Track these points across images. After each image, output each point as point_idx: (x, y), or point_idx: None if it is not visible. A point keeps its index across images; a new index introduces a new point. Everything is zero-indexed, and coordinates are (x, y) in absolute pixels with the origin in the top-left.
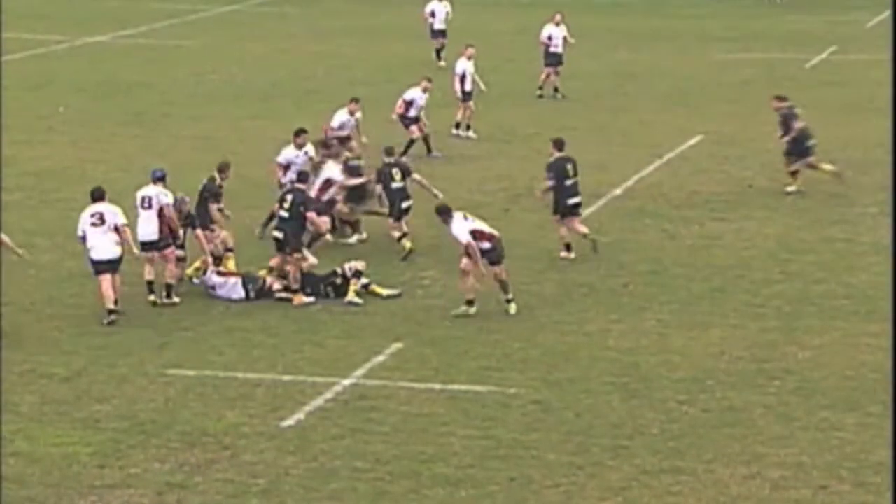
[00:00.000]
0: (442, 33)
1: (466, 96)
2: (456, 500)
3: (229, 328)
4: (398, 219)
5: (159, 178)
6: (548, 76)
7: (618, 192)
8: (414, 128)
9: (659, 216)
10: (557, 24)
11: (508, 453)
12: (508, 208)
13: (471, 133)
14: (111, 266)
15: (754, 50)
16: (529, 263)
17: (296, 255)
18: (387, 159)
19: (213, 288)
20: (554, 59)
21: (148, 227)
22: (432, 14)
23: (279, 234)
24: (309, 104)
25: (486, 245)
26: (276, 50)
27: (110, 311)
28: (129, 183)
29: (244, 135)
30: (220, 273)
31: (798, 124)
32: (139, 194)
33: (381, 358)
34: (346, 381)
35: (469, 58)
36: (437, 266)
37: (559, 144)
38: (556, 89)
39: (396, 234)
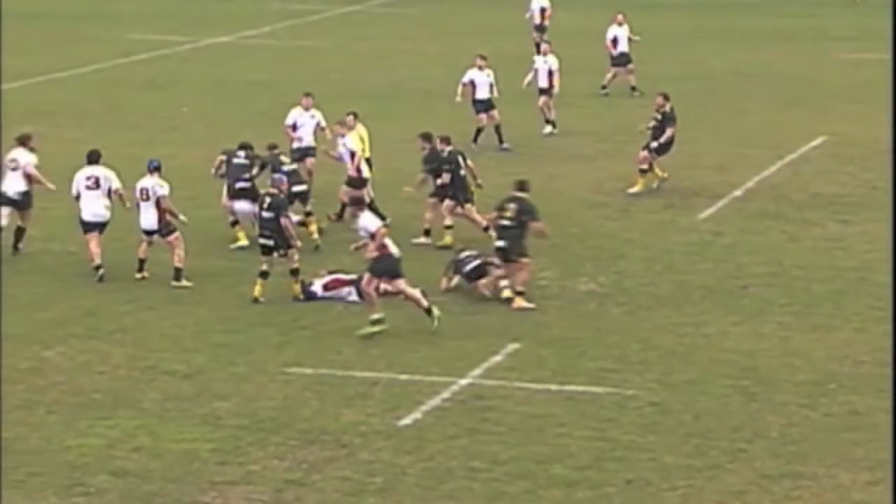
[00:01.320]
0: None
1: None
2: (572, 502)
3: (348, 327)
4: (465, 203)
5: (155, 169)
6: (615, 75)
7: (738, 193)
8: (483, 116)
9: (780, 218)
10: (620, 25)
11: (625, 455)
12: (626, 209)
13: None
14: (99, 227)
15: (877, 50)
16: (648, 264)
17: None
18: (448, 147)
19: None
20: (622, 59)
21: (148, 217)
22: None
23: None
24: (428, 104)
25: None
26: (396, 50)
27: (97, 268)
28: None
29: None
30: (325, 287)
31: None
32: (138, 186)
33: (498, 358)
34: (464, 381)
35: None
36: (554, 266)
37: (428, 137)
38: (633, 88)
39: (448, 221)
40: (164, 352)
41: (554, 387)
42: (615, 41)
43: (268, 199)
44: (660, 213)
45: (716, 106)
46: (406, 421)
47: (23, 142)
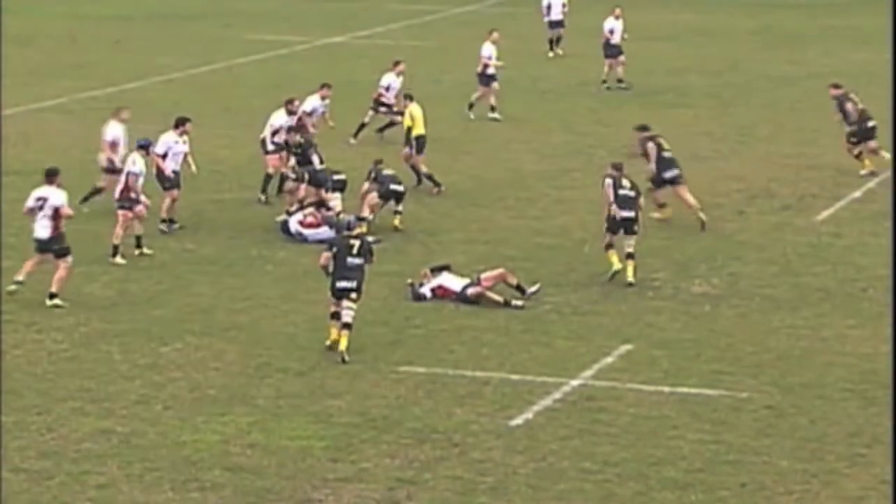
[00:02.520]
0: (559, 24)
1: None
2: None
3: (459, 327)
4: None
5: (142, 147)
6: (610, 67)
7: (857, 194)
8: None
9: None
10: (617, 18)
11: (739, 458)
12: (743, 210)
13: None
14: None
15: None
16: (763, 266)
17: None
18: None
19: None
20: (614, 51)
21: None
22: (548, 7)
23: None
24: (542, 104)
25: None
26: (510, 50)
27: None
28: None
29: (476, 135)
30: (434, 292)
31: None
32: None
33: (609, 359)
34: (575, 382)
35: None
36: (667, 268)
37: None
38: (619, 80)
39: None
40: (277, 349)
41: (666, 389)
42: (612, 33)
43: (357, 244)
44: (777, 215)
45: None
46: (517, 421)
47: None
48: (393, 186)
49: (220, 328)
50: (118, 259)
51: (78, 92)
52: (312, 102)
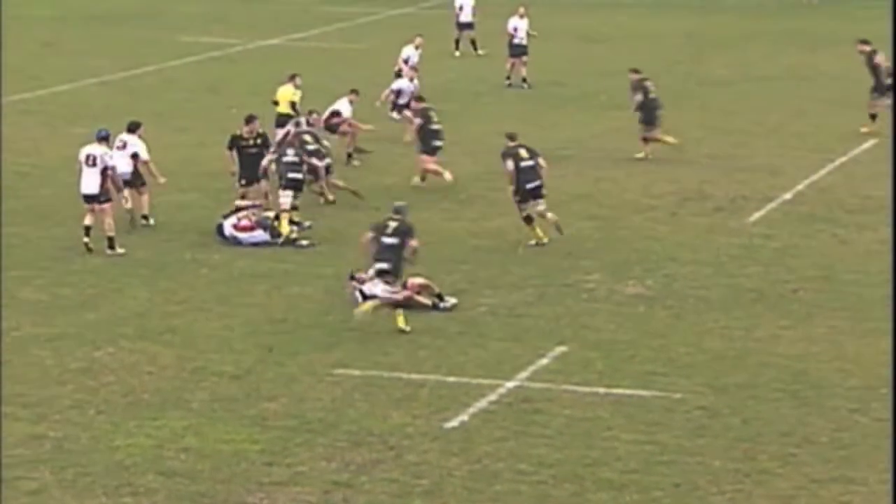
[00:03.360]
0: (469, 26)
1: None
2: None
3: (395, 329)
4: (523, 201)
5: (103, 139)
6: (513, 66)
7: (788, 196)
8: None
9: (831, 221)
10: (521, 17)
11: (674, 459)
12: (676, 212)
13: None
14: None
15: None
16: (697, 268)
17: None
18: (510, 143)
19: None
20: (518, 50)
21: (91, 182)
22: (460, 7)
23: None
24: (476, 106)
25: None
26: (447, 53)
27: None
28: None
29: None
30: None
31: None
32: (84, 152)
33: (544, 361)
34: (510, 384)
35: (417, 47)
36: (602, 269)
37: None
38: (524, 80)
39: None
40: (212, 353)
41: (601, 390)
42: (515, 31)
43: (392, 224)
44: (710, 217)
45: (767, 108)
46: (453, 423)
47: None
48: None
49: (155, 332)
50: (119, 250)
51: (8, 95)
52: (342, 105)
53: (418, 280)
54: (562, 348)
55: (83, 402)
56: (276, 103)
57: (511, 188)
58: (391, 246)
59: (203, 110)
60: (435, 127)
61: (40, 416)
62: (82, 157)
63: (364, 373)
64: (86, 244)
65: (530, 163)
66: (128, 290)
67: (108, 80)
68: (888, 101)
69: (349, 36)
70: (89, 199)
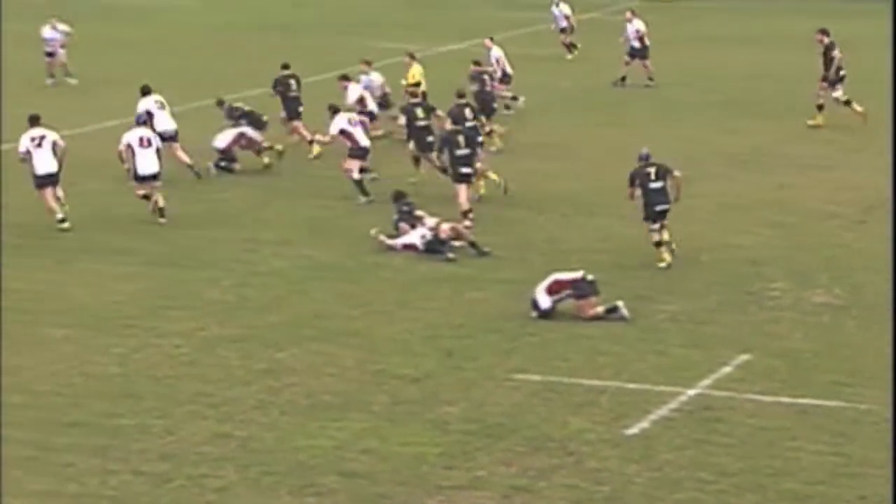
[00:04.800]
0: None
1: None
2: None
3: (575, 335)
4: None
5: (143, 123)
6: (628, 65)
7: None
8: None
9: None
10: (631, 20)
11: (859, 471)
12: (864, 220)
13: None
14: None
15: None
16: (886, 276)
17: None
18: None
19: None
20: (640, 52)
21: (150, 162)
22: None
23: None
24: (661, 111)
25: (568, 291)
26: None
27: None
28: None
29: (595, 142)
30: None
31: None
32: (134, 136)
33: (727, 369)
34: (692, 392)
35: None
36: (786, 277)
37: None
38: (650, 78)
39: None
40: (393, 356)
41: (785, 399)
42: (636, 33)
43: (653, 170)
44: None
45: None
46: (633, 430)
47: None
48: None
49: (337, 334)
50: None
51: (190, 101)
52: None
53: (450, 225)
54: (745, 356)
55: (267, 403)
56: (413, 86)
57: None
58: (661, 189)
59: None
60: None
61: (226, 415)
62: (133, 140)
63: (543, 378)
64: (160, 210)
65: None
66: (311, 292)
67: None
68: (837, 93)
69: (530, 41)
70: (150, 178)
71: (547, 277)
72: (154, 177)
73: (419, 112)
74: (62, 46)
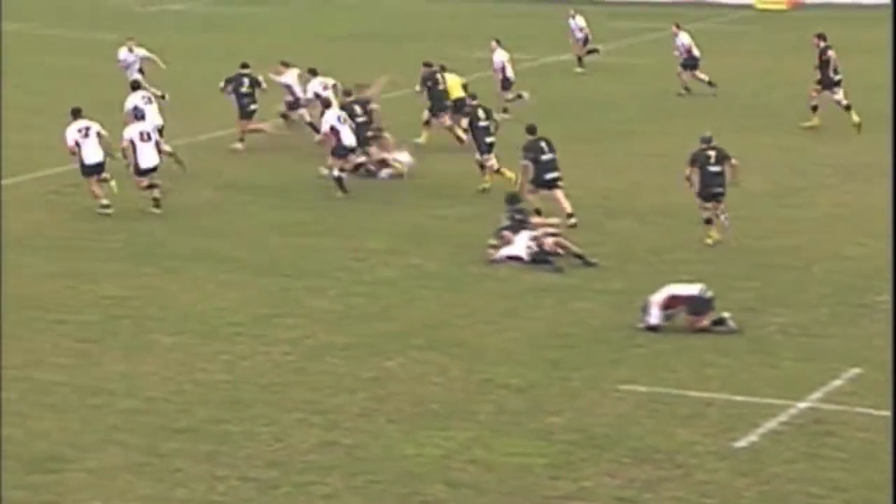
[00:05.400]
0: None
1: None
2: None
3: (683, 346)
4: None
5: (142, 117)
6: (681, 75)
7: None
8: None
9: None
10: (677, 33)
11: None
12: None
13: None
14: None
15: None
16: None
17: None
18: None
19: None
20: (693, 62)
21: (151, 156)
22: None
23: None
24: (762, 119)
25: (683, 307)
26: (737, 66)
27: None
28: (585, 202)
29: None
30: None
31: None
32: (135, 132)
33: (838, 382)
34: (802, 405)
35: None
36: None
37: (531, 129)
38: (709, 83)
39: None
40: (499, 365)
41: None
42: (683, 45)
43: (713, 154)
44: None
45: None
46: (741, 443)
47: None
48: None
49: (444, 343)
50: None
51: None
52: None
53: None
54: (857, 370)
55: (373, 411)
56: (447, 93)
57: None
58: (719, 173)
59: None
60: (483, 124)
61: (332, 422)
62: (135, 136)
63: (650, 389)
64: (156, 201)
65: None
66: (418, 301)
67: (394, 97)
68: (836, 96)
69: (637, 51)
70: (151, 170)
71: (663, 289)
72: (154, 169)
73: (480, 113)
74: (139, 71)
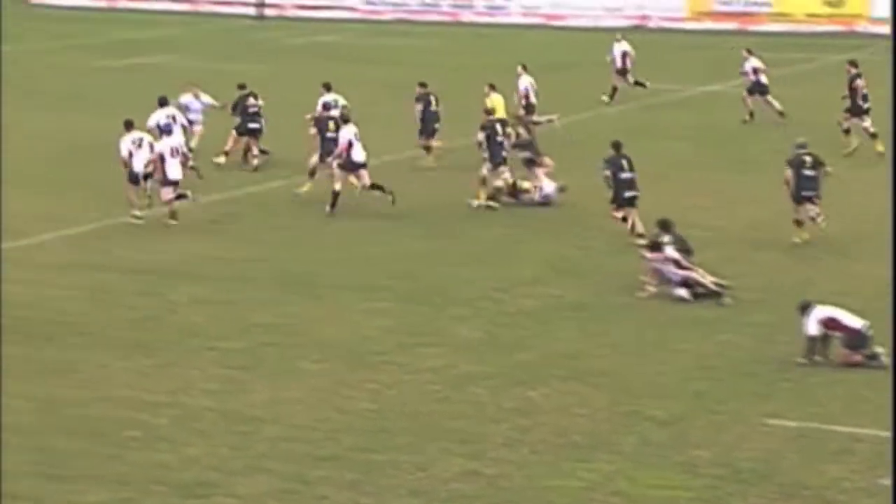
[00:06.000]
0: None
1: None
2: None
3: (833, 380)
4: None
5: (169, 132)
6: (751, 101)
7: None
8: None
9: None
10: (747, 57)
11: None
12: None
13: None
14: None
15: None
16: None
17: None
18: None
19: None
20: (762, 88)
21: (177, 170)
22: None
23: None
24: None
25: (840, 335)
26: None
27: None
28: (730, 233)
29: (851, 184)
30: (825, 324)
31: None
32: (170, 146)
33: None
34: None
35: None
36: None
37: (616, 146)
38: (780, 113)
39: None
40: (643, 397)
41: None
42: (754, 71)
43: (809, 159)
44: None
45: None
46: (890, 480)
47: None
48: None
49: (587, 374)
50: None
51: (454, 139)
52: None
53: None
54: None
55: (516, 441)
56: (489, 112)
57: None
58: (813, 177)
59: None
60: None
61: (476, 452)
62: (166, 151)
63: (799, 424)
64: (174, 214)
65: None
66: (560, 332)
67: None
68: (864, 123)
69: (790, 81)
70: (176, 183)
71: (825, 307)
72: (178, 182)
73: (498, 128)
74: (199, 123)
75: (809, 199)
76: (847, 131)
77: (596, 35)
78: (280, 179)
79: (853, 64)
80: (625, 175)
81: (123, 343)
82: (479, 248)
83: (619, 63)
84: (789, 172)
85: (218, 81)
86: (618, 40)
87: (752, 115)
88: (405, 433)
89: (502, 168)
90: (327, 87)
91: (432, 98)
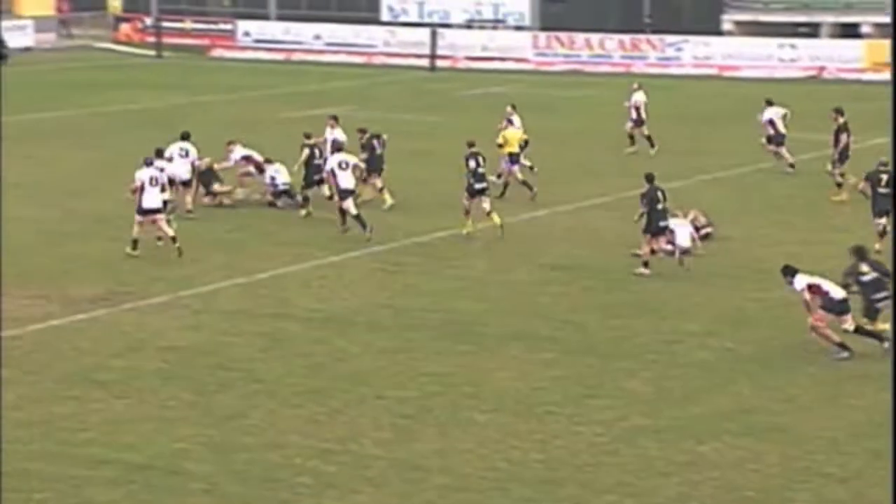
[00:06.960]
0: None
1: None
2: None
3: None
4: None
5: (150, 164)
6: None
7: None
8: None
9: None
10: (771, 104)
11: None
12: None
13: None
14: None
15: None
16: None
17: None
18: None
19: None
20: (781, 139)
21: (155, 198)
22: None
23: None
24: None
25: (820, 302)
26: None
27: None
28: None
29: None
30: None
31: None
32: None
33: None
34: None
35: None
36: None
37: (649, 178)
38: (791, 165)
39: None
40: (818, 453)
41: None
42: (771, 122)
43: (885, 177)
44: None
45: None
46: None
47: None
48: None
49: (760, 429)
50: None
51: (623, 191)
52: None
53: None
54: None
55: (686, 496)
56: (501, 146)
57: None
58: (886, 195)
59: (810, 206)
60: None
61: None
62: (146, 178)
63: None
64: (134, 254)
65: (885, 190)
66: (732, 385)
67: (719, 177)
68: (838, 169)
69: None
70: (151, 212)
71: (813, 277)
72: (157, 211)
73: (472, 163)
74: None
75: (885, 214)
76: (840, 185)
77: (768, 86)
78: (444, 230)
79: (839, 112)
80: (660, 206)
81: (295, 390)
82: (652, 301)
83: (633, 114)
84: (865, 184)
85: (391, 130)
86: (635, 89)
87: (792, 165)
88: (573, 485)
89: (481, 198)
90: (335, 119)
91: (375, 142)
